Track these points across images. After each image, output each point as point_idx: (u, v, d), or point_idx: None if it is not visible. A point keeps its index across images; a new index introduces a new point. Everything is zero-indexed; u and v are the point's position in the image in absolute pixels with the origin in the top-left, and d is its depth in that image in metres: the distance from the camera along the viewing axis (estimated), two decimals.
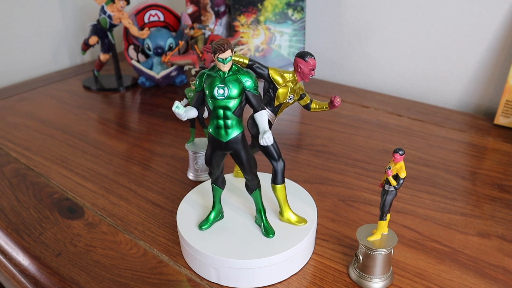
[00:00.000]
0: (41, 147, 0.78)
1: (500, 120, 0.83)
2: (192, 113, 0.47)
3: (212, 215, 0.51)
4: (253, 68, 0.47)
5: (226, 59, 0.42)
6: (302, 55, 0.47)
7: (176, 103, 0.44)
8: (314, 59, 0.47)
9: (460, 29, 0.90)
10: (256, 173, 0.49)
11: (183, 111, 0.45)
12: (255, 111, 0.45)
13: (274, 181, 0.50)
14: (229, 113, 0.45)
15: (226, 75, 0.44)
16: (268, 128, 0.44)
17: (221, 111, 0.45)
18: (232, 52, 0.42)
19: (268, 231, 0.49)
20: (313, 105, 0.51)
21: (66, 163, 0.73)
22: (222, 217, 0.52)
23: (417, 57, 0.98)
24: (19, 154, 0.76)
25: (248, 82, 0.44)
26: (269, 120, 0.49)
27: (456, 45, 0.92)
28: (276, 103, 0.49)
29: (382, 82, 1.06)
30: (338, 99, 0.48)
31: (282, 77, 0.48)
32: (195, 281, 0.49)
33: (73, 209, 0.61)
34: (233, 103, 0.44)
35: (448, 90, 0.96)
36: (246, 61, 0.47)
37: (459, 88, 0.95)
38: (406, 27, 0.97)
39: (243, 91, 0.44)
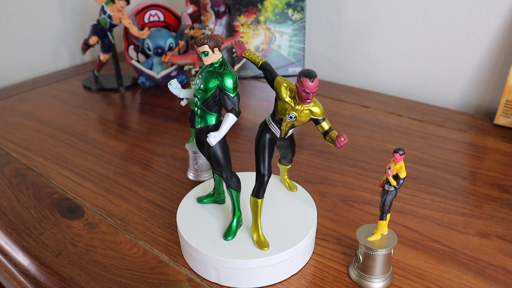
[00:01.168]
0: (41, 147, 0.78)
1: (500, 120, 0.83)
2: (191, 93, 0.51)
3: (208, 199, 0.55)
4: (264, 72, 0.47)
5: (202, 52, 0.44)
6: (300, 73, 0.42)
7: (171, 81, 0.49)
8: (311, 81, 0.41)
9: (460, 29, 0.90)
10: (228, 172, 0.48)
11: (173, 88, 0.50)
12: (227, 111, 0.46)
13: (252, 192, 0.48)
14: (200, 104, 0.46)
15: (207, 68, 0.45)
16: (223, 132, 0.44)
17: (196, 100, 0.47)
18: (210, 47, 0.43)
19: (227, 233, 0.49)
20: (328, 135, 0.45)
21: (66, 163, 0.73)
22: (221, 202, 0.55)
23: (417, 57, 0.98)
24: (19, 154, 0.76)
25: (224, 82, 0.44)
26: (274, 134, 0.47)
27: (456, 45, 0.92)
28: (277, 116, 0.46)
29: (382, 82, 1.06)
30: (342, 138, 0.42)
31: (286, 90, 0.44)
32: (195, 281, 0.49)
33: (73, 209, 0.61)
34: (203, 96, 0.46)
35: (448, 90, 0.96)
36: (260, 63, 0.47)
37: (459, 88, 0.95)
38: (406, 27, 0.97)
39: (216, 88, 0.45)
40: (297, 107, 0.44)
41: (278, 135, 0.47)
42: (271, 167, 0.47)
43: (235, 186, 0.49)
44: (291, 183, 0.58)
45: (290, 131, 0.48)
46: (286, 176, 0.58)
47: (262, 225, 0.50)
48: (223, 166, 0.48)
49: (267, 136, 0.47)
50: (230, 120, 0.44)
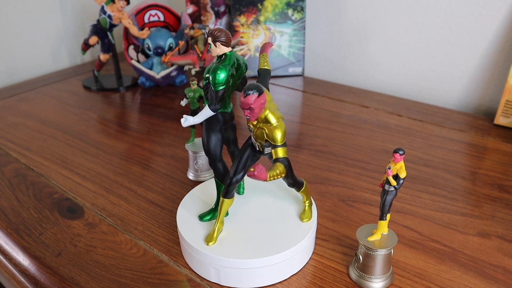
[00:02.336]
0: (41, 147, 0.78)
1: (500, 120, 0.83)
2: None
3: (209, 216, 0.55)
4: (258, 77, 0.47)
5: (208, 44, 0.45)
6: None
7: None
8: (244, 96, 0.39)
9: (460, 29, 0.90)
10: (216, 162, 0.50)
11: None
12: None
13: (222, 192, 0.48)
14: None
15: (215, 60, 0.47)
16: (196, 120, 0.45)
17: None
18: (213, 41, 0.44)
19: (204, 215, 0.52)
20: (274, 164, 0.41)
21: (66, 163, 0.73)
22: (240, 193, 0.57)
23: (417, 57, 0.98)
24: (19, 154, 0.76)
25: (211, 75, 0.44)
26: (253, 145, 0.46)
27: (456, 45, 0.92)
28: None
29: (382, 82, 1.06)
30: (252, 169, 0.37)
31: None
32: (195, 281, 0.49)
33: (73, 209, 0.61)
34: (205, 84, 0.47)
35: (448, 90, 0.96)
36: (260, 68, 0.48)
37: (459, 88, 0.95)
38: (406, 27, 0.97)
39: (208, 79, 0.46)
40: (255, 123, 0.42)
41: (256, 147, 0.46)
42: (243, 175, 0.47)
43: (221, 178, 0.50)
44: (307, 211, 0.51)
45: (269, 149, 0.43)
46: (305, 203, 0.52)
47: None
48: (210, 155, 0.49)
49: (249, 146, 0.46)
50: (204, 112, 0.46)
